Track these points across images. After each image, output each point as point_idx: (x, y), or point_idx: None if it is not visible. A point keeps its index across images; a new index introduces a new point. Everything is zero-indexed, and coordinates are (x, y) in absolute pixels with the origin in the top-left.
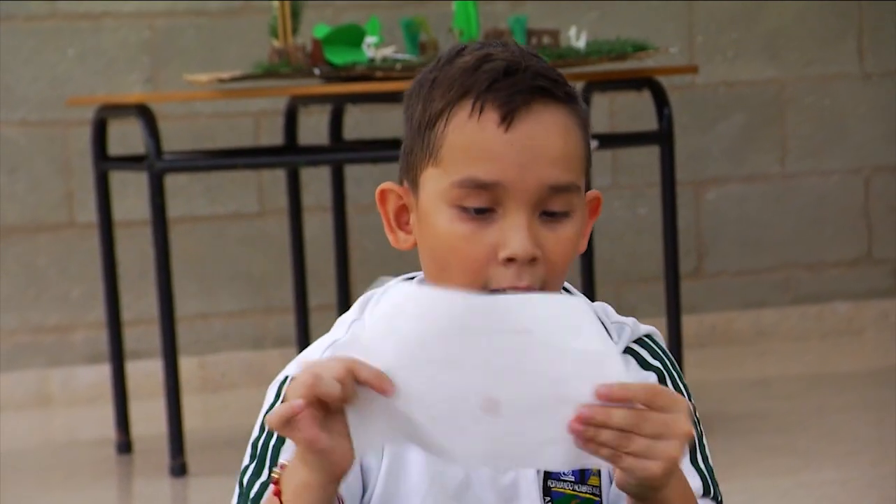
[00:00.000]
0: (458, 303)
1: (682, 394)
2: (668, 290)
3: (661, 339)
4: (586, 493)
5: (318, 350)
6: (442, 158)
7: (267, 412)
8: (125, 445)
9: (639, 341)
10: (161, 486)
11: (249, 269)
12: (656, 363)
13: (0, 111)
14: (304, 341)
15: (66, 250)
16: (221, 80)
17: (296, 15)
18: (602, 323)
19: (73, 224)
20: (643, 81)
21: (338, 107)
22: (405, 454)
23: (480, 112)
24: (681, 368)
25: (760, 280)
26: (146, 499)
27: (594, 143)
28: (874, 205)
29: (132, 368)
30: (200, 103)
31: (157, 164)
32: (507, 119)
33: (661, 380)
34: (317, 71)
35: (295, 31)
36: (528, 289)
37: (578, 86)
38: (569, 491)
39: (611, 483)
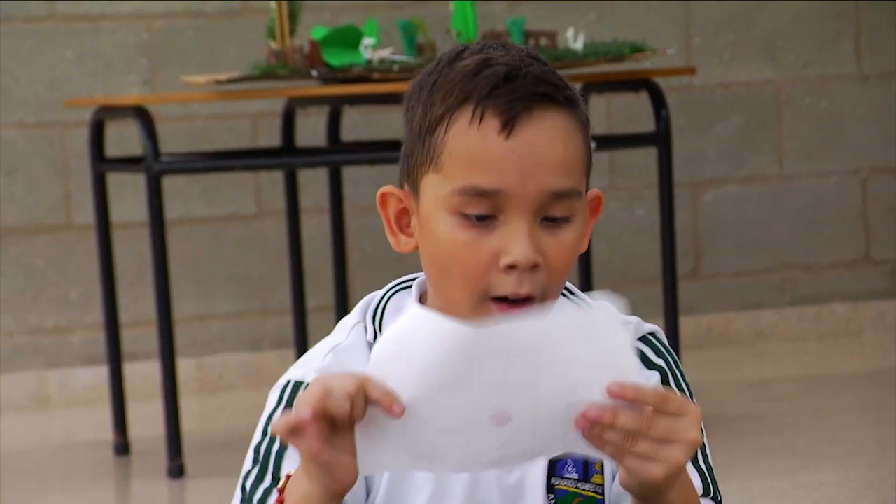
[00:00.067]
0: (468, 333)
1: (684, 393)
2: (665, 292)
3: (664, 337)
4: (589, 491)
5: (319, 354)
6: (443, 165)
7: (269, 416)
8: (123, 447)
9: (643, 339)
10: (159, 487)
11: (247, 270)
12: (660, 361)
13: None
14: (301, 343)
15: (64, 252)
16: (219, 82)
17: (293, 16)
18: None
19: (71, 225)
20: (641, 83)
21: (335, 108)
22: None
23: (481, 119)
24: None
25: (758, 281)
26: (144, 500)
27: (592, 145)
28: (872, 206)
29: (130, 370)
30: (198, 105)
31: (154, 166)
32: (508, 126)
33: (665, 378)
34: (314, 72)
35: (292, 32)
36: (529, 296)
37: (576, 87)
38: (572, 489)
39: (613, 480)
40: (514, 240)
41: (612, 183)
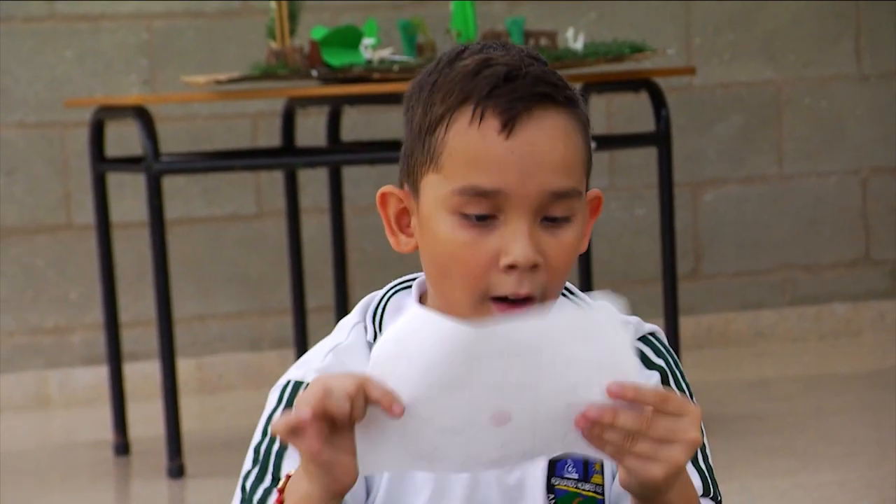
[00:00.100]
0: (468, 333)
1: (685, 393)
2: (665, 292)
3: (664, 337)
4: (589, 491)
5: (319, 354)
6: (442, 165)
7: (269, 417)
8: (123, 447)
9: (643, 339)
10: (159, 487)
11: (247, 270)
12: (660, 361)
13: None
14: (301, 343)
15: (64, 252)
16: (219, 82)
17: (293, 16)
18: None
19: (71, 225)
20: (641, 83)
21: (335, 108)
22: None
23: (481, 119)
24: None
25: (758, 281)
26: (144, 500)
27: (592, 145)
28: (872, 206)
29: (130, 370)
30: (198, 105)
31: (154, 166)
32: (508, 126)
33: (665, 378)
34: (314, 72)
35: (292, 32)
36: (529, 296)
37: (576, 87)
38: (572, 489)
39: (613, 480)
40: (514, 240)
41: (612, 183)
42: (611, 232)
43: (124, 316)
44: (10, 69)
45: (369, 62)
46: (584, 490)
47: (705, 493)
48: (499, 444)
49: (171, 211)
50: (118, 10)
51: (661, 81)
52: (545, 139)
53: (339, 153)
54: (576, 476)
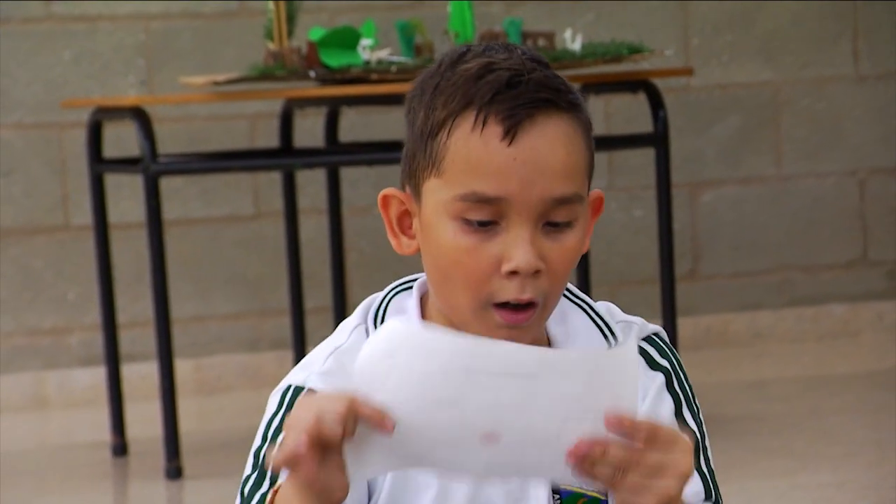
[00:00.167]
0: (462, 345)
1: (687, 393)
2: (663, 292)
3: (667, 338)
4: (594, 491)
5: (320, 357)
6: (444, 170)
7: (269, 421)
8: (121, 448)
9: (648, 339)
10: (157, 488)
11: (245, 271)
12: (664, 362)
13: None
14: (299, 344)
15: (62, 253)
16: (217, 83)
17: (291, 17)
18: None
19: (69, 226)
20: (638, 84)
21: (333, 109)
22: None
23: (483, 125)
24: None
25: (756, 282)
26: (142, 501)
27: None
28: (870, 207)
29: (128, 371)
30: (196, 106)
31: (152, 167)
32: (510, 133)
33: (669, 380)
34: (312, 73)
35: (290, 33)
36: (531, 301)
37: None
38: (577, 488)
39: None
40: (516, 246)
41: (610, 184)
42: (609, 232)
43: (122, 317)
44: (8, 70)
45: (367, 63)
46: (588, 490)
47: (707, 497)
48: (485, 462)
49: (169, 212)
50: (116, 11)
51: (659, 82)
52: (547, 145)
53: (337, 154)
54: None
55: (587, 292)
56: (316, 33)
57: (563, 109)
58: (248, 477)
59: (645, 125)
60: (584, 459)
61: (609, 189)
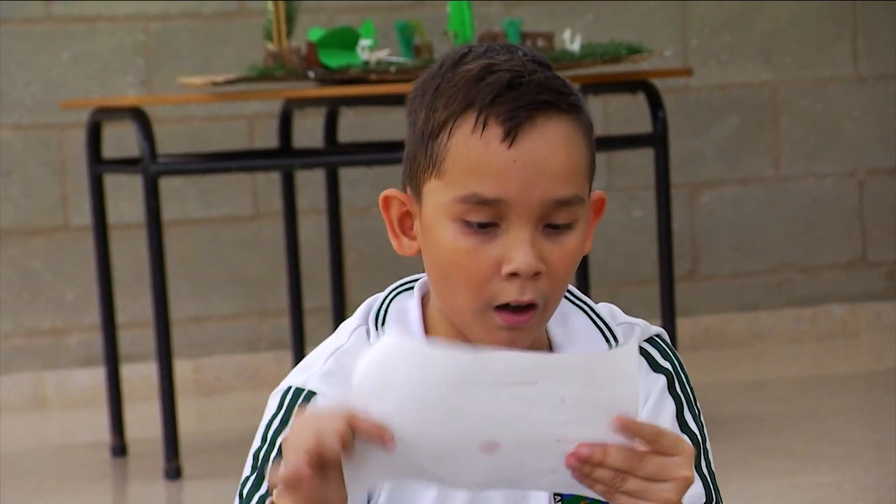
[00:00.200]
0: (458, 358)
1: (689, 395)
2: (662, 293)
3: (669, 339)
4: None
5: (320, 358)
6: (445, 171)
7: (269, 422)
8: (120, 448)
9: (650, 341)
10: (156, 489)
11: (244, 272)
12: (666, 364)
13: None
14: (298, 344)
15: (61, 253)
16: (216, 83)
17: (290, 18)
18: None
19: (68, 227)
20: (637, 84)
21: (332, 109)
22: None
23: (483, 127)
24: None
25: (755, 282)
26: (141, 502)
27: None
28: (869, 207)
29: (127, 371)
30: (195, 106)
31: (151, 167)
32: (511, 135)
33: (671, 381)
34: (311, 74)
35: (289, 33)
36: (532, 303)
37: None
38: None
39: None
40: (516, 248)
41: (609, 184)
42: (608, 233)
43: (121, 317)
44: (7, 71)
45: (366, 63)
46: (587, 495)
47: (707, 500)
48: (485, 471)
49: (168, 212)
50: (115, 12)
51: (658, 83)
52: (547, 147)
53: (336, 154)
54: None
55: (586, 293)
56: (315, 34)
57: (563, 111)
58: (247, 478)
59: (644, 125)
60: (585, 463)
61: (608, 189)
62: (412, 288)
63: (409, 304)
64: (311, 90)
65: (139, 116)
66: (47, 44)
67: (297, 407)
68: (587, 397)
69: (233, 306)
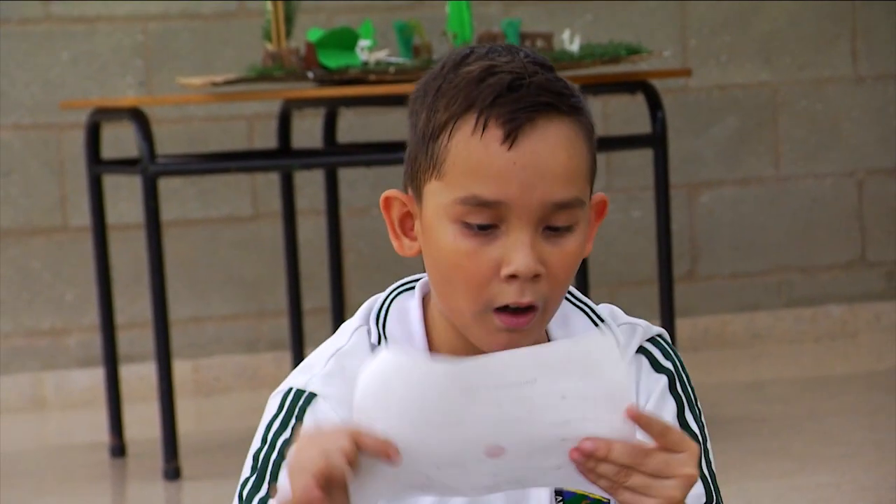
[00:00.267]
0: (455, 369)
1: (690, 395)
2: (661, 293)
3: (670, 340)
4: (597, 493)
5: (321, 359)
6: (445, 173)
7: (269, 423)
8: (119, 449)
9: (651, 341)
10: (155, 489)
11: (243, 272)
12: (668, 364)
13: None
14: (298, 345)
15: (60, 254)
16: (215, 84)
17: (289, 18)
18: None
19: (67, 227)
20: (637, 84)
21: (331, 110)
22: None
23: (484, 128)
24: None
25: (754, 283)
26: (140, 502)
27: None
28: (868, 208)
29: (126, 372)
30: (194, 106)
31: (150, 168)
32: (511, 137)
33: (672, 381)
34: (310, 74)
35: (288, 34)
36: (531, 305)
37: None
38: (580, 490)
39: None
40: (516, 250)
41: (608, 184)
42: (607, 234)
43: (120, 318)
44: (7, 71)
45: (365, 64)
46: (591, 492)
47: (708, 500)
48: (492, 474)
49: (167, 213)
50: (114, 12)
51: (658, 83)
52: (548, 150)
53: (335, 155)
54: None
55: (585, 293)
56: (314, 34)
57: (564, 113)
58: (247, 479)
59: (643, 126)
60: (589, 458)
61: (607, 190)
62: (413, 288)
63: (409, 305)
64: (311, 91)
65: (138, 117)
66: (46, 44)
67: (297, 409)
68: (586, 390)
69: (232, 307)
